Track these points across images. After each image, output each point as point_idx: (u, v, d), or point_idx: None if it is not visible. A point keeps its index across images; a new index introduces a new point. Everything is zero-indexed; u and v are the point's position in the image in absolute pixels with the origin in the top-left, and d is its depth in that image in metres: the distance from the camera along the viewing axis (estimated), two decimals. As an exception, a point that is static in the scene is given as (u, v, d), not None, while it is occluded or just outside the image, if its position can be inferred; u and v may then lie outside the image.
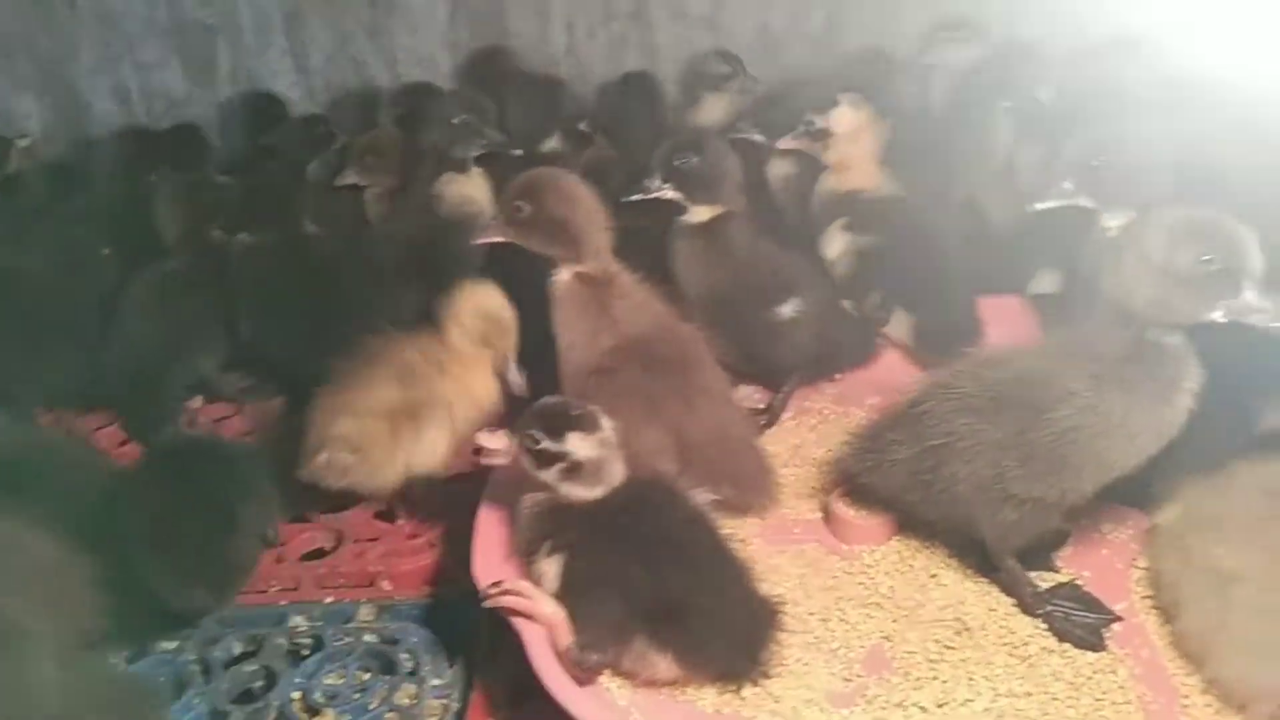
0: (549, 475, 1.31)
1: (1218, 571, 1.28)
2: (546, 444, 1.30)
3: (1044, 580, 1.43)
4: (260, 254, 2.01)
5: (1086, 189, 1.57)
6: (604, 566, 1.28)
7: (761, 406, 1.82)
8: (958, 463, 1.34)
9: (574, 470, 1.31)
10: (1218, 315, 1.23)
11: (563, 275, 1.55)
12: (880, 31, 2.45)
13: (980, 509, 1.35)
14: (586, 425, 1.31)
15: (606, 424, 1.33)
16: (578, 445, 1.30)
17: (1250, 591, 1.25)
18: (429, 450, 1.62)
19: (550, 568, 1.31)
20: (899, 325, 1.85)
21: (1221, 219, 1.24)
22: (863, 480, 1.48)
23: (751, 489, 1.56)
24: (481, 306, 1.65)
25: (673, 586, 1.26)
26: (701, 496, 1.41)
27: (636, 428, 1.40)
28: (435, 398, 1.62)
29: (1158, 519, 1.42)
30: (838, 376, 1.88)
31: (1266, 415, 1.42)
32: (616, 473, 1.33)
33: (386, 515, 1.75)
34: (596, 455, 1.31)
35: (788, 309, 1.76)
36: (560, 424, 1.31)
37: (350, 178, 2.21)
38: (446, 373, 1.65)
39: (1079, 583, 1.43)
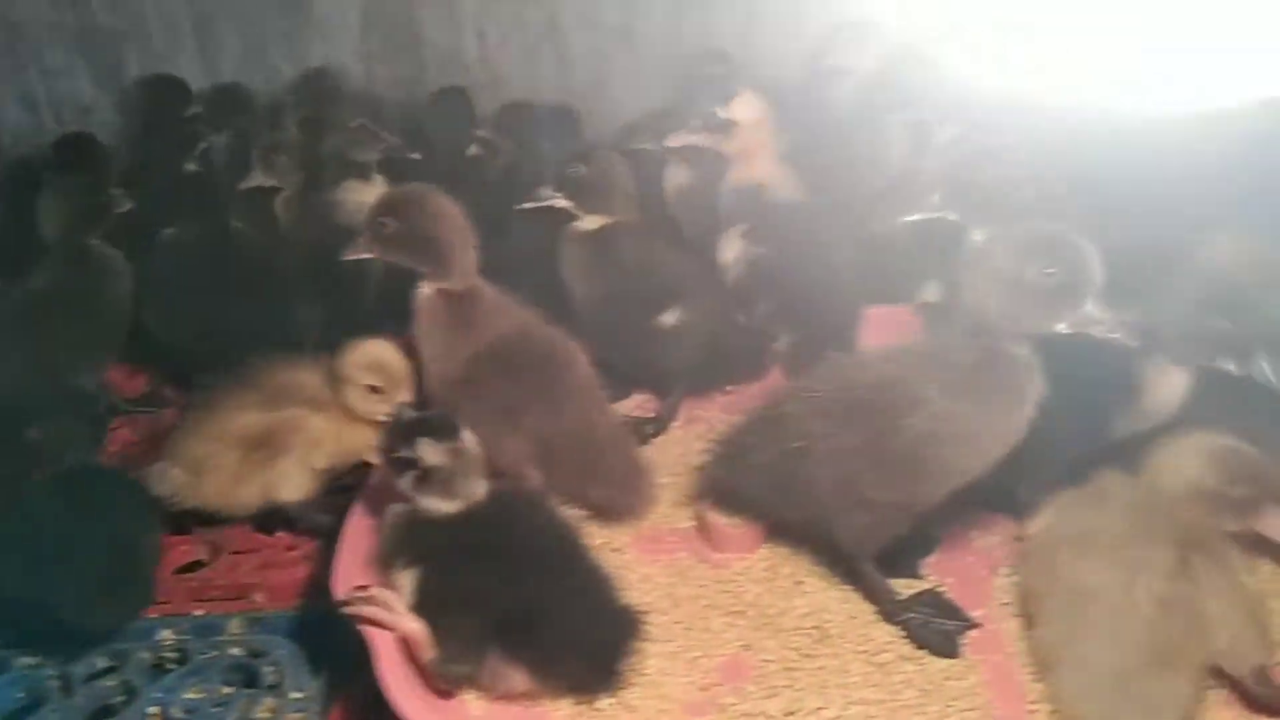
0: (403, 483, 1.31)
1: (1078, 586, 1.30)
2: (400, 450, 1.31)
3: (909, 587, 1.44)
4: (184, 249, 1.99)
5: (953, 202, 1.60)
6: (457, 580, 1.29)
7: (651, 415, 1.82)
8: (814, 466, 1.35)
9: (425, 479, 1.30)
10: (1062, 326, 1.26)
11: (425, 290, 1.54)
12: (790, 37, 2.46)
13: (835, 512, 1.36)
14: (440, 433, 1.31)
15: (467, 438, 1.33)
16: (426, 451, 1.30)
17: (1103, 611, 1.27)
18: (283, 480, 1.62)
19: (406, 580, 1.30)
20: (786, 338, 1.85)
21: (1065, 234, 1.27)
22: (725, 484, 1.49)
23: (622, 488, 1.55)
24: (371, 361, 1.63)
25: (525, 600, 1.26)
26: (569, 510, 1.41)
27: (498, 435, 1.40)
28: (298, 430, 1.62)
29: (1028, 529, 1.44)
30: (729, 388, 1.88)
31: (1117, 423, 1.44)
32: (475, 488, 1.33)
33: (265, 528, 1.73)
34: (447, 464, 1.30)
35: (670, 317, 1.76)
36: (413, 430, 1.31)
37: (256, 179, 2.19)
38: (322, 411, 1.63)
39: (941, 589, 1.45)
